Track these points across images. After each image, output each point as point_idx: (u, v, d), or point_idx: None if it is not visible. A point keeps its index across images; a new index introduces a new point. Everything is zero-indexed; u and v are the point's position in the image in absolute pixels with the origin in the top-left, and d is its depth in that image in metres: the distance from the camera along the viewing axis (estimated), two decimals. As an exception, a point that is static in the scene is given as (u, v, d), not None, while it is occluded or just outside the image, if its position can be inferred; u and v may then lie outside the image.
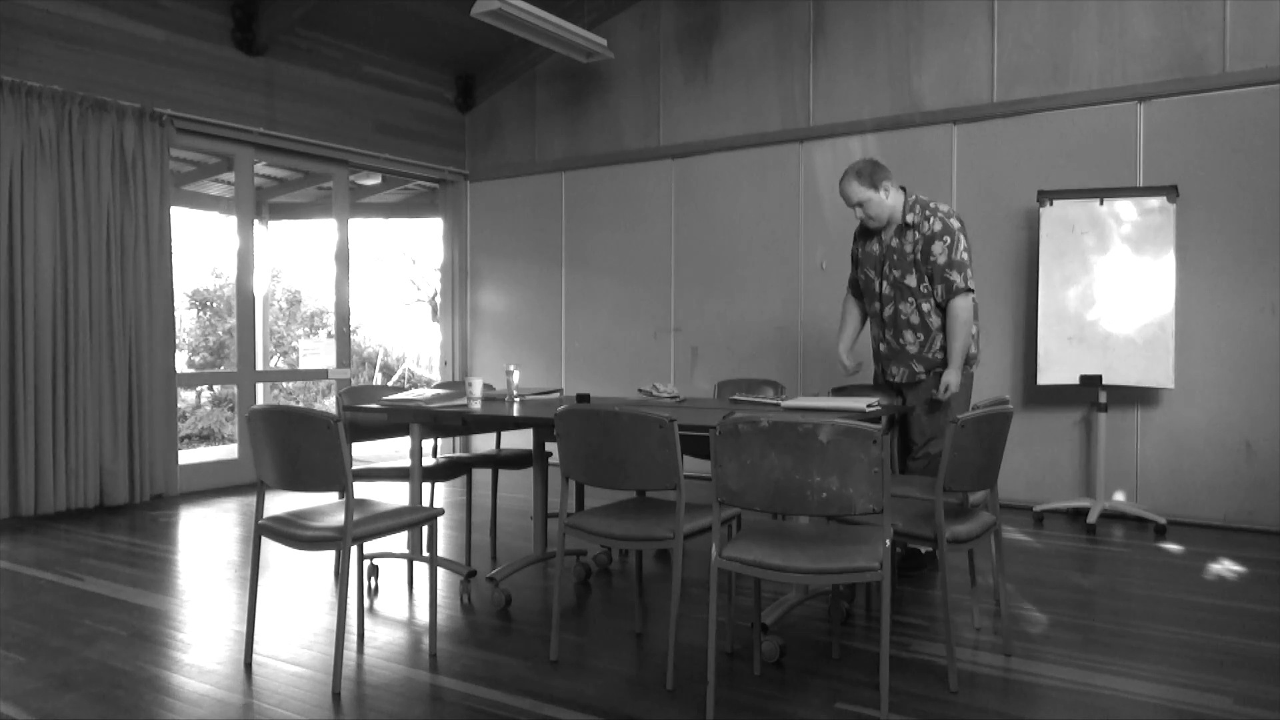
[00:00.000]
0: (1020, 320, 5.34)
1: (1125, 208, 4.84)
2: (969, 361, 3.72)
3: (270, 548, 4.01)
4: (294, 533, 2.72)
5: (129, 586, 3.69)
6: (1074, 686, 2.63)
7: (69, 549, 4.32)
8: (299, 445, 2.67)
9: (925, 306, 3.63)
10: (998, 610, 3.30)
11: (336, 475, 2.62)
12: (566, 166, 7.16)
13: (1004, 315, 5.41)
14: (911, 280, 3.61)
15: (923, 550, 3.75)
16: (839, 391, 4.19)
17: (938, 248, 3.53)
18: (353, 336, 8.58)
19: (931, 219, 3.57)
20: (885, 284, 3.71)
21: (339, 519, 2.74)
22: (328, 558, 4.09)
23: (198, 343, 12.52)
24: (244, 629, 3.16)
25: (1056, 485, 5.22)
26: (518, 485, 5.62)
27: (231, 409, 10.08)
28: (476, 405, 3.60)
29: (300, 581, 3.79)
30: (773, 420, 2.36)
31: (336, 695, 2.58)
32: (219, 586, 3.74)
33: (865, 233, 3.80)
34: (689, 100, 6.56)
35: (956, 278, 3.54)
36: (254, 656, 2.86)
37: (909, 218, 3.61)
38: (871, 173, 3.57)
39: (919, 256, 3.57)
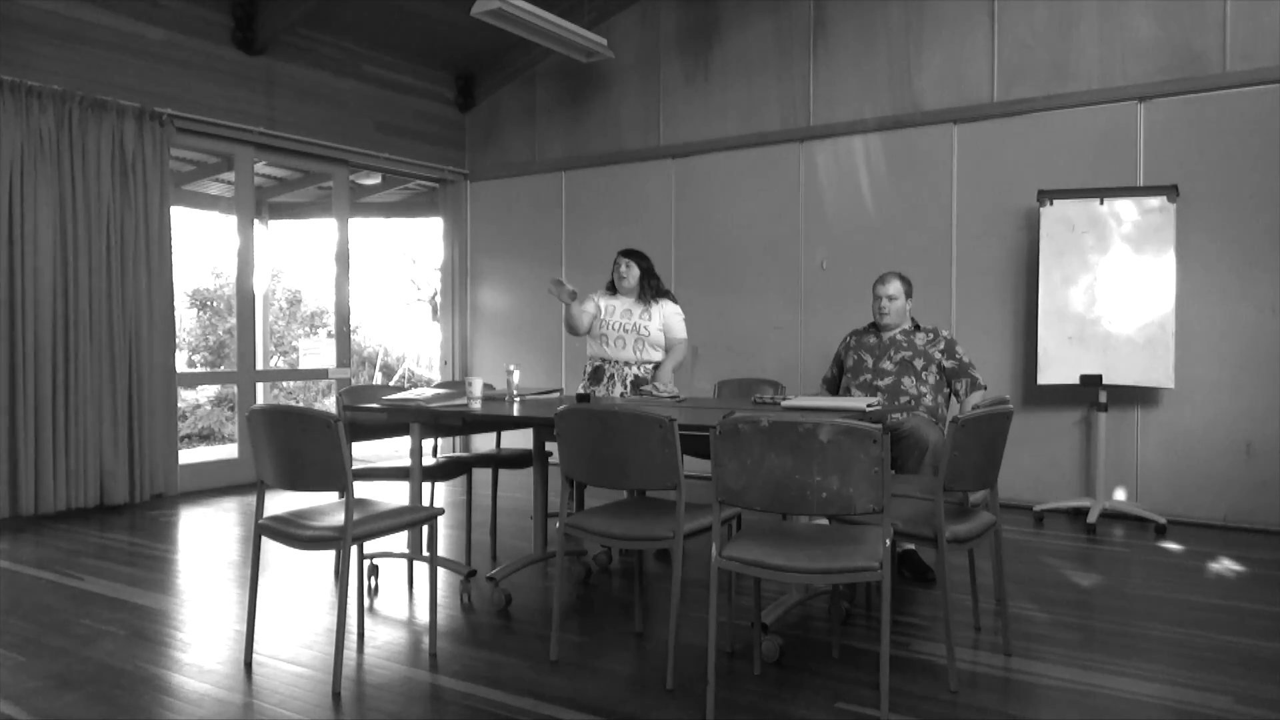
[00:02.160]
0: (1020, 320, 5.34)
1: (1125, 207, 4.84)
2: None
3: (270, 547, 4.01)
4: (294, 532, 2.72)
5: (129, 586, 3.69)
6: (1074, 686, 2.63)
7: (69, 549, 4.32)
8: (299, 445, 2.66)
9: (923, 389, 4.02)
10: (998, 610, 3.31)
11: (336, 475, 2.62)
12: (566, 166, 7.16)
13: (1004, 315, 5.41)
14: (919, 363, 4.04)
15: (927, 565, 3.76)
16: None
17: (960, 349, 4.08)
18: (352, 336, 8.58)
19: (945, 332, 4.13)
20: (889, 363, 4.08)
21: (339, 519, 2.73)
22: (328, 557, 4.09)
23: (198, 342, 12.52)
24: (244, 629, 3.17)
25: (1056, 485, 5.22)
26: (518, 485, 5.61)
27: (231, 409, 10.08)
28: (476, 405, 3.60)
29: (300, 581, 3.79)
30: (773, 420, 2.36)
31: (336, 695, 2.58)
32: (219, 586, 3.74)
33: (863, 331, 4.27)
34: (689, 100, 6.56)
35: (978, 375, 4.05)
36: (254, 656, 2.86)
37: (921, 325, 4.16)
38: (910, 284, 4.17)
39: (938, 355, 4.04)
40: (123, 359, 5.29)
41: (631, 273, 4.36)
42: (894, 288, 4.09)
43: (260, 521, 2.83)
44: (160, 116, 5.49)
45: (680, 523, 2.63)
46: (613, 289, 4.46)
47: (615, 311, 4.36)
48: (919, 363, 4.02)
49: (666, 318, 4.35)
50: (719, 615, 2.54)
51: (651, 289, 4.36)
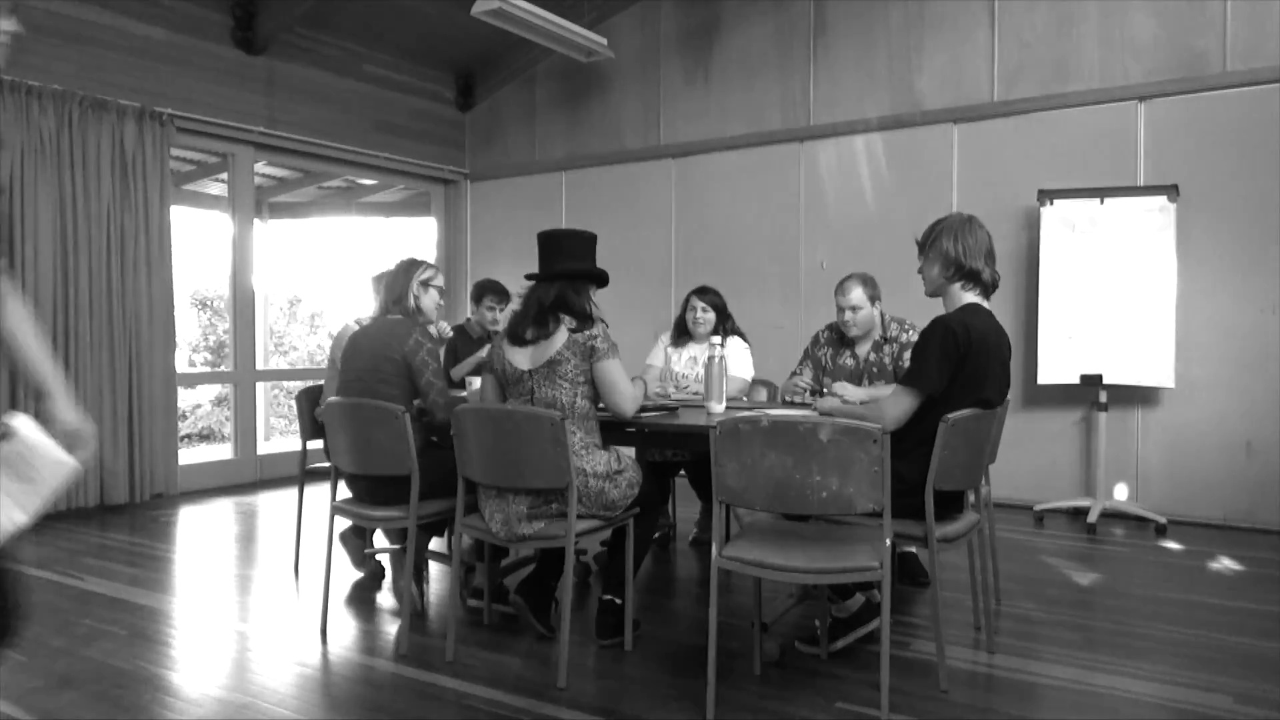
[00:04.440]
0: (1021, 320, 5.34)
1: (1125, 207, 4.84)
2: None
3: (267, 547, 4.01)
4: (365, 513, 3.04)
5: (129, 586, 3.69)
6: (1074, 685, 2.63)
7: (69, 548, 4.32)
8: (371, 434, 2.94)
9: None
10: (998, 609, 3.31)
11: (403, 459, 2.87)
12: (567, 166, 7.16)
13: (1004, 315, 5.37)
14: None
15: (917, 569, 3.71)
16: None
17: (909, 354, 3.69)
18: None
19: (911, 332, 3.73)
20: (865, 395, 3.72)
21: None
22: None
23: (198, 342, 12.51)
24: (244, 629, 3.18)
25: (1057, 485, 5.22)
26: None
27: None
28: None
29: (301, 581, 3.79)
30: (773, 420, 2.36)
31: (337, 694, 2.58)
32: (219, 586, 3.74)
33: (838, 343, 3.88)
34: (689, 100, 6.56)
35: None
36: (252, 654, 2.86)
37: (889, 331, 3.77)
38: (874, 285, 3.77)
39: (895, 368, 3.69)
40: (123, 359, 5.29)
41: (708, 318, 4.15)
42: (856, 295, 3.72)
43: (334, 504, 3.11)
44: (160, 116, 5.49)
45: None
46: (680, 330, 4.23)
47: (680, 360, 4.22)
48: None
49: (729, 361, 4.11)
50: (719, 615, 2.53)
51: (724, 331, 4.11)
